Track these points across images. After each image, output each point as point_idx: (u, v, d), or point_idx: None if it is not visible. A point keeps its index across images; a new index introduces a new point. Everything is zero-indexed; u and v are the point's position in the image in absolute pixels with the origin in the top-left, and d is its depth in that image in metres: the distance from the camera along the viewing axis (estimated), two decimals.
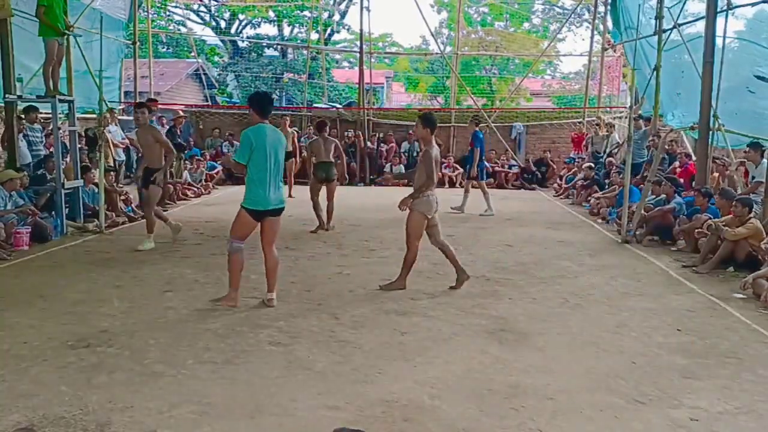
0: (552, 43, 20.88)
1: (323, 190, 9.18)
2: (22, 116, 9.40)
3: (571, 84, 25.73)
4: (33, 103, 9.65)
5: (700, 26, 10.00)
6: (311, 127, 15.38)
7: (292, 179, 13.19)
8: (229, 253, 5.32)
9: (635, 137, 9.95)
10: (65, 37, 8.78)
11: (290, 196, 11.57)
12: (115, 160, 11.86)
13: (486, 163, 12.19)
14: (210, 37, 26.59)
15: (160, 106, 12.04)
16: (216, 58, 26.06)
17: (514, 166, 16.36)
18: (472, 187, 11.28)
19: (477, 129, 11.14)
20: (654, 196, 9.03)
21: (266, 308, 5.32)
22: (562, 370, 4.10)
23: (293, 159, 13.06)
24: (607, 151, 13.81)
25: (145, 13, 17.44)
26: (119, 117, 14.16)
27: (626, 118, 13.57)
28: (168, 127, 13.25)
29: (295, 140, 13.83)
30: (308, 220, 10.06)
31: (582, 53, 24.74)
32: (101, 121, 10.12)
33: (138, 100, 12.99)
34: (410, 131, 15.98)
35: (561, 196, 13.91)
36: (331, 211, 9.27)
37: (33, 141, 9.78)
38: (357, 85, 18.22)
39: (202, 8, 26.21)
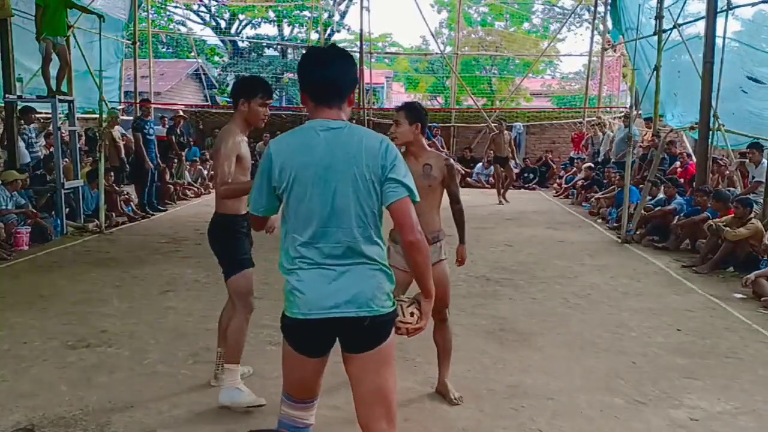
0: (552, 43, 20.87)
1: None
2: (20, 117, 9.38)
3: (571, 84, 25.72)
4: (30, 104, 9.63)
5: (700, 26, 9.99)
6: None
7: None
8: None
9: (622, 136, 10.08)
10: (60, 37, 8.69)
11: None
12: (123, 159, 11.83)
13: None
14: (210, 37, 26.63)
15: (160, 106, 12.01)
16: (216, 58, 26.07)
17: (514, 166, 16.33)
18: None
19: None
20: (652, 197, 9.03)
21: (266, 308, 5.30)
22: (562, 370, 4.10)
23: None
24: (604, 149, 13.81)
25: (145, 13, 17.44)
26: (120, 117, 14.15)
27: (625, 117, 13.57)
28: (168, 126, 13.25)
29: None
30: None
31: (582, 53, 24.73)
32: (109, 121, 10.09)
33: (140, 100, 12.98)
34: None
35: (561, 196, 13.91)
36: (506, 188, 12.94)
37: (30, 142, 9.76)
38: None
39: (202, 8, 26.24)
